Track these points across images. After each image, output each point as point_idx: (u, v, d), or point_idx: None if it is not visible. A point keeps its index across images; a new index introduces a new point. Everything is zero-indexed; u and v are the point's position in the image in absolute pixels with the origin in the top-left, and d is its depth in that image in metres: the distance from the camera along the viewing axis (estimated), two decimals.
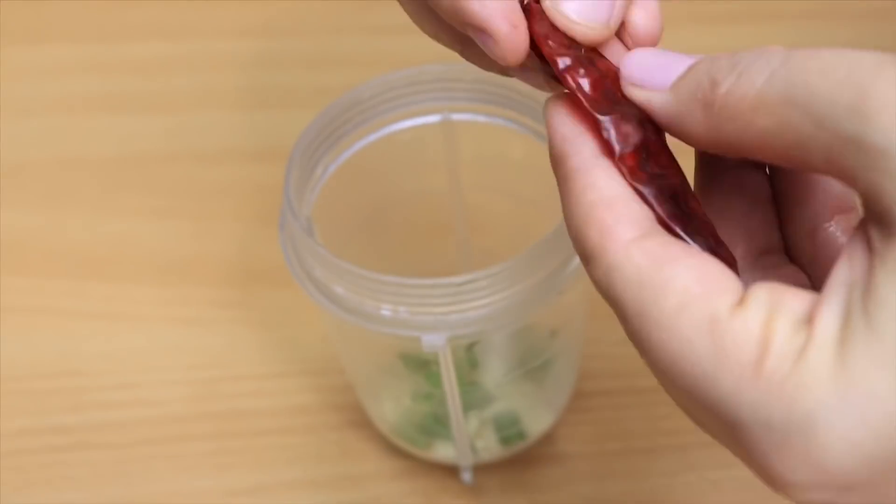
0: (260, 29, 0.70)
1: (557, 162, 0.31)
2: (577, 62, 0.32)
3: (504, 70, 0.35)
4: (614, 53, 0.33)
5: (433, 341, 0.43)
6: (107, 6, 0.72)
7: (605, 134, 0.31)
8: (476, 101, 0.48)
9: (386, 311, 0.43)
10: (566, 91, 0.32)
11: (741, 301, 0.27)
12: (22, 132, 0.67)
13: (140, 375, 0.56)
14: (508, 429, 0.51)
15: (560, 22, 0.32)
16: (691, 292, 0.27)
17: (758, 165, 0.33)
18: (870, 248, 0.26)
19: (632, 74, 0.31)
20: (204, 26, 0.71)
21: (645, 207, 0.30)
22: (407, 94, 0.48)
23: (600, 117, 0.31)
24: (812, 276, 0.32)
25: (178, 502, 0.52)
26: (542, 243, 0.42)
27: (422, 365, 0.48)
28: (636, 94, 0.31)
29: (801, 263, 0.33)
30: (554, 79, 0.33)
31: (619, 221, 0.29)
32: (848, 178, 0.26)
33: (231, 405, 0.55)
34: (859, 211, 0.27)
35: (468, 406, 0.49)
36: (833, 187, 0.32)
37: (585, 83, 0.32)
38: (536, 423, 0.52)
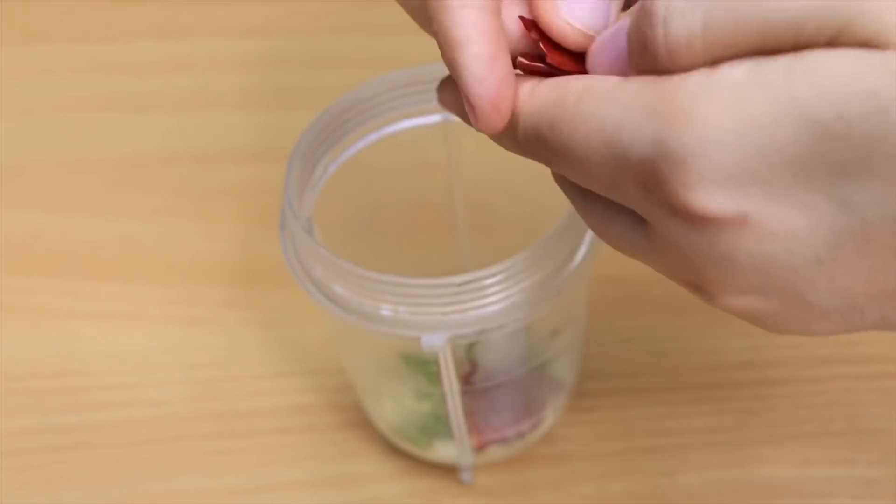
0: (260, 29, 0.70)
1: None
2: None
3: None
4: None
5: (433, 341, 0.43)
6: (107, 6, 0.72)
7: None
8: None
9: (386, 311, 0.43)
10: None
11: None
12: (22, 132, 0.67)
13: (140, 375, 0.56)
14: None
15: (559, 27, 0.33)
16: (586, 84, 0.31)
17: None
18: None
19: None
20: (204, 26, 0.71)
21: None
22: (407, 94, 0.48)
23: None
24: None
25: (178, 502, 0.52)
26: (542, 243, 0.42)
27: (422, 365, 0.48)
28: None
29: None
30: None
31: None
32: None
33: (231, 405, 0.55)
34: None
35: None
36: None
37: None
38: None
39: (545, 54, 0.33)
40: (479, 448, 0.50)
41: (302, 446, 0.53)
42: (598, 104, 0.30)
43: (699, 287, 0.31)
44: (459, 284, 0.42)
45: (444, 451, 0.51)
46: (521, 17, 0.33)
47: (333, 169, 0.48)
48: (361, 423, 0.53)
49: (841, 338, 0.54)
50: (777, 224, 0.28)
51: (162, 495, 0.52)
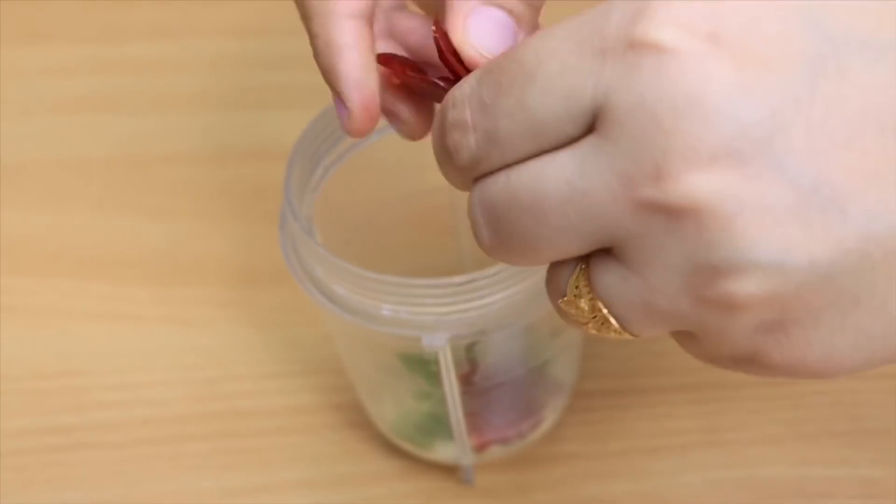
0: (260, 29, 0.70)
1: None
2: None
3: None
4: None
5: (433, 341, 0.43)
6: (107, 6, 0.72)
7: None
8: None
9: (386, 311, 0.43)
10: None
11: None
12: (22, 132, 0.67)
13: (140, 375, 0.56)
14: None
15: (468, 54, 0.34)
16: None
17: None
18: None
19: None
20: (204, 26, 0.71)
21: None
22: None
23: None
24: None
25: (178, 502, 0.52)
26: None
27: (422, 365, 0.48)
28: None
29: None
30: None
31: None
32: None
33: (231, 405, 0.55)
34: None
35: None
36: None
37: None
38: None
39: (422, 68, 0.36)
40: (479, 448, 0.50)
41: (302, 446, 0.53)
42: None
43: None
44: (459, 284, 0.42)
45: (444, 451, 0.51)
46: (435, 29, 0.35)
47: (333, 169, 0.48)
48: (361, 423, 0.53)
49: None
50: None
51: (162, 495, 0.52)
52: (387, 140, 0.48)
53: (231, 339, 0.57)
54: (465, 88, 0.29)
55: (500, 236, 0.29)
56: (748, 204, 0.25)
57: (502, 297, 0.43)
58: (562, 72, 0.27)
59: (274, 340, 0.57)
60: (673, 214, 0.26)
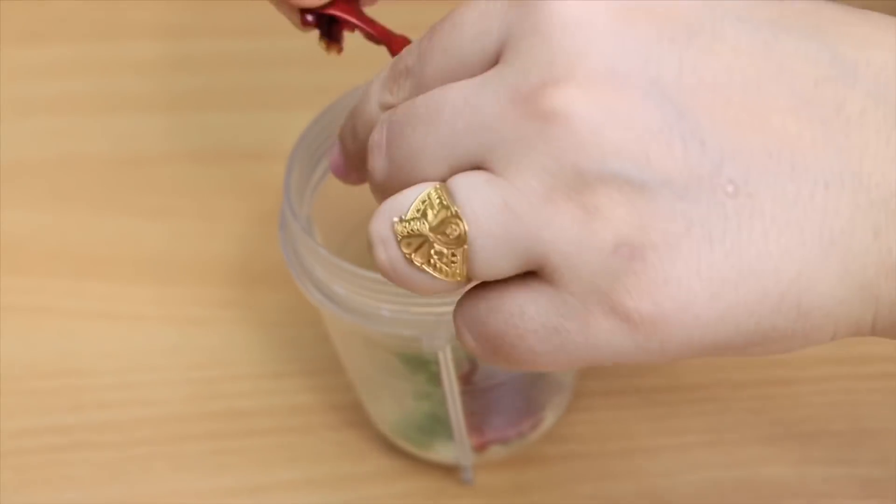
0: (260, 29, 0.70)
1: None
2: None
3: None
4: None
5: (433, 341, 0.43)
6: (107, 6, 0.72)
7: None
8: None
9: (386, 311, 0.43)
10: None
11: None
12: (22, 132, 0.67)
13: (140, 375, 0.56)
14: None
15: None
16: None
17: None
18: None
19: None
20: (204, 26, 0.71)
21: None
22: None
23: None
24: None
25: (178, 502, 0.52)
26: None
27: (422, 365, 0.47)
28: None
29: None
30: None
31: None
32: None
33: (231, 405, 0.55)
34: None
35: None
36: None
37: None
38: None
39: None
40: (479, 448, 0.50)
41: (301, 446, 0.53)
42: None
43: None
44: None
45: (444, 451, 0.51)
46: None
47: None
48: (361, 422, 0.53)
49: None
50: None
51: (161, 495, 0.52)
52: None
53: (231, 339, 0.57)
54: (412, 44, 0.32)
55: (391, 150, 0.31)
56: (616, 118, 0.28)
57: None
58: (476, 18, 0.30)
59: (274, 340, 0.57)
60: (548, 119, 0.28)
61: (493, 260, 0.29)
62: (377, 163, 0.32)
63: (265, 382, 0.56)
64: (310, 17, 0.41)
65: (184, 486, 0.53)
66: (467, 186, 0.29)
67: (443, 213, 0.29)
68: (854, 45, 0.29)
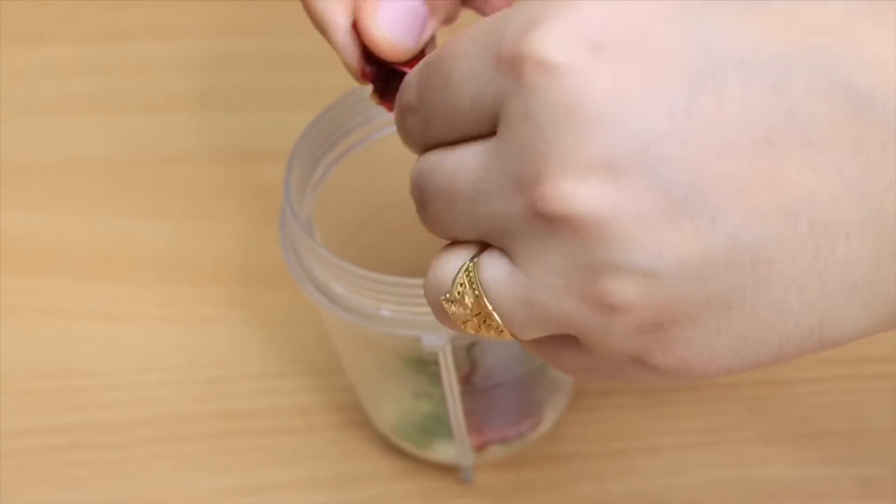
0: (260, 29, 0.70)
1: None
2: None
3: None
4: None
5: (433, 341, 0.43)
6: (107, 6, 0.72)
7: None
8: None
9: (386, 311, 0.43)
10: None
11: None
12: (22, 132, 0.67)
13: (140, 375, 0.56)
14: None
15: (371, 35, 0.37)
16: None
17: None
18: None
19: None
20: (204, 26, 0.71)
21: None
22: None
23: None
24: None
25: (178, 502, 0.52)
26: None
27: (422, 365, 0.48)
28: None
29: None
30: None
31: None
32: None
33: (231, 405, 0.55)
34: None
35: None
36: None
37: None
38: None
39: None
40: (479, 448, 0.51)
41: (302, 446, 0.53)
42: None
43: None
44: None
45: (444, 451, 0.51)
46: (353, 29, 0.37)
47: (333, 169, 0.48)
48: (361, 423, 0.53)
49: None
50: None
51: (162, 495, 0.52)
52: (387, 140, 0.48)
53: (231, 339, 0.57)
54: (413, 75, 0.31)
55: (422, 205, 0.32)
56: (621, 210, 0.27)
57: None
58: (469, 75, 0.29)
59: (274, 340, 0.57)
60: (551, 220, 0.27)
61: (530, 332, 0.30)
62: (417, 204, 0.33)
63: (265, 382, 0.56)
64: (369, 69, 0.38)
65: (184, 486, 0.53)
66: (492, 281, 0.29)
67: (477, 305, 0.30)
68: (866, 68, 0.27)
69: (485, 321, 0.30)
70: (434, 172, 0.31)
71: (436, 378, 0.46)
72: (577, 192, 0.27)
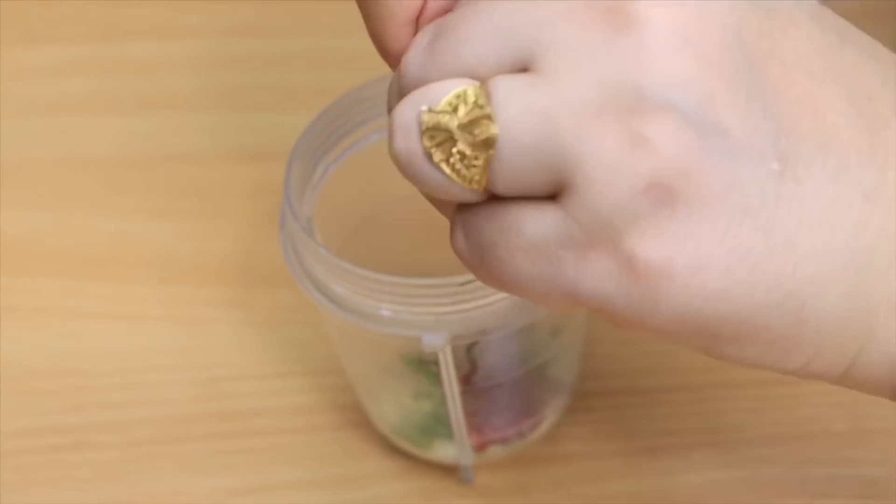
0: (260, 29, 0.70)
1: None
2: None
3: None
4: None
5: (433, 341, 0.43)
6: (107, 6, 0.72)
7: None
8: None
9: (386, 311, 0.43)
10: None
11: None
12: (22, 132, 0.67)
13: (140, 375, 0.56)
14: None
15: None
16: None
17: None
18: None
19: None
20: (204, 26, 0.71)
21: None
22: None
23: None
24: None
25: (179, 502, 0.52)
26: None
27: (422, 365, 0.48)
28: None
29: None
30: None
31: None
32: None
33: (231, 405, 0.55)
34: None
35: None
36: None
37: None
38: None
39: None
40: (479, 448, 0.50)
41: (302, 446, 0.53)
42: None
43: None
44: (459, 284, 0.42)
45: (444, 451, 0.51)
46: None
47: (333, 169, 0.48)
48: (362, 423, 0.53)
49: None
50: None
51: (162, 495, 0.52)
52: (387, 140, 0.48)
53: (231, 339, 0.57)
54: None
55: (434, 39, 0.28)
56: (692, 47, 0.26)
57: (502, 297, 0.43)
58: None
59: (274, 340, 0.57)
60: (621, 27, 0.26)
61: (515, 172, 0.27)
62: (414, 54, 0.28)
63: (265, 382, 0.56)
64: None
65: (184, 487, 0.53)
66: (507, 88, 0.26)
67: (475, 112, 0.26)
68: None
69: (468, 137, 0.27)
70: None
71: (436, 378, 0.46)
72: (659, 8, 0.26)
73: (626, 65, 0.26)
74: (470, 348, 0.47)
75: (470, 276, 0.42)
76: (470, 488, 0.51)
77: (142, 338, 0.58)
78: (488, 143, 0.26)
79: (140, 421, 0.55)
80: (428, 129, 0.27)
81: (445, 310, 0.42)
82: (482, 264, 0.29)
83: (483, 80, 0.27)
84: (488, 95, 0.26)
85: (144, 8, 0.72)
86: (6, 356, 0.57)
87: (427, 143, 0.27)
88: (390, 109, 0.31)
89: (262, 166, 0.63)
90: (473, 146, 0.27)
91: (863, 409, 0.52)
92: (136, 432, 0.54)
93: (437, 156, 0.27)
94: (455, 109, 0.27)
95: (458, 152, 0.27)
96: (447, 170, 0.28)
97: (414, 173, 0.28)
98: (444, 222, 0.54)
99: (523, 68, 0.27)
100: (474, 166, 0.27)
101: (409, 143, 0.28)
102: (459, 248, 0.30)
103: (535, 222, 0.27)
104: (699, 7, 0.26)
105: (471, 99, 0.27)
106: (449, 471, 0.52)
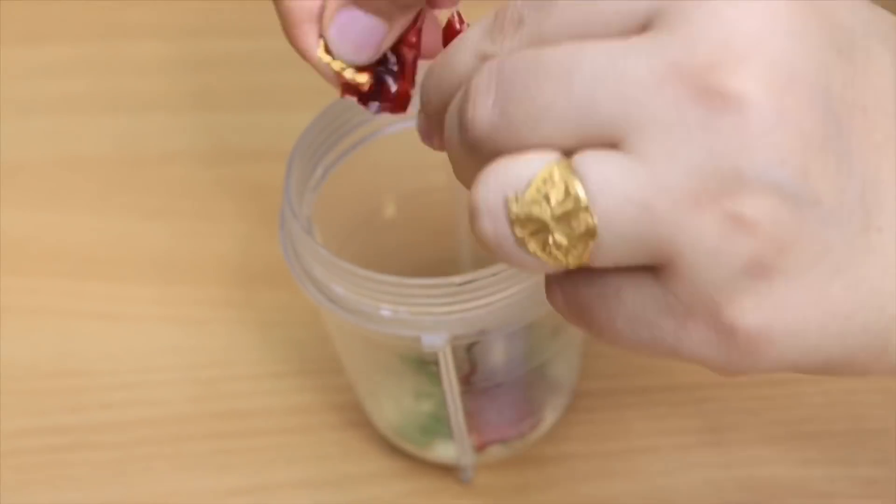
0: (260, 29, 0.70)
1: None
2: None
3: None
4: None
5: (433, 341, 0.43)
6: (107, 6, 0.72)
7: None
8: None
9: (386, 311, 0.43)
10: None
11: None
12: (22, 132, 0.67)
13: (140, 375, 0.56)
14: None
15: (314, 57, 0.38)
16: None
17: None
18: None
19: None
20: (204, 26, 0.71)
21: None
22: None
23: None
24: None
25: (178, 502, 0.52)
26: None
27: (422, 365, 0.48)
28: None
29: None
30: None
31: None
32: None
33: (231, 405, 0.55)
34: None
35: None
36: None
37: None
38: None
39: None
40: (479, 448, 0.50)
41: (302, 446, 0.53)
42: None
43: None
44: (459, 284, 0.42)
45: (444, 451, 0.51)
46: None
47: (333, 169, 0.48)
48: (361, 423, 0.53)
49: None
50: None
51: (162, 495, 0.52)
52: (387, 140, 0.48)
53: (230, 339, 0.57)
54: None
55: (506, 103, 0.27)
56: (787, 121, 0.25)
57: (502, 297, 0.43)
58: None
59: (274, 340, 0.57)
60: (717, 105, 0.25)
61: (613, 256, 0.26)
62: (482, 112, 0.27)
63: (265, 382, 0.56)
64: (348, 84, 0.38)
65: (184, 486, 0.53)
66: (599, 173, 0.25)
67: (569, 204, 0.25)
68: None
69: (565, 229, 0.26)
70: (541, 59, 0.26)
71: (436, 378, 0.46)
72: (755, 84, 0.25)
73: (724, 148, 0.25)
74: (470, 348, 0.47)
75: (470, 276, 0.42)
76: (470, 488, 0.51)
77: (141, 338, 0.58)
78: (588, 235, 0.26)
79: (139, 421, 0.55)
80: (519, 219, 0.26)
81: (445, 310, 0.42)
82: (582, 322, 0.29)
83: (566, 158, 0.26)
84: (579, 178, 0.26)
85: (144, 8, 0.72)
86: (6, 356, 0.57)
87: (519, 233, 0.27)
88: (425, 105, 0.31)
89: (262, 166, 0.63)
90: (570, 238, 0.26)
91: (863, 409, 0.52)
92: (136, 432, 0.54)
93: (533, 246, 0.27)
94: (546, 199, 0.26)
95: (556, 243, 0.26)
96: (543, 256, 0.27)
97: (505, 256, 0.27)
98: (443, 222, 0.55)
99: (608, 142, 0.26)
100: (572, 253, 0.26)
101: (499, 229, 0.27)
102: (559, 307, 0.29)
103: (635, 292, 0.27)
104: (790, 73, 0.25)
105: (559, 185, 0.26)
106: (449, 471, 0.52)
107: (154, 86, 0.69)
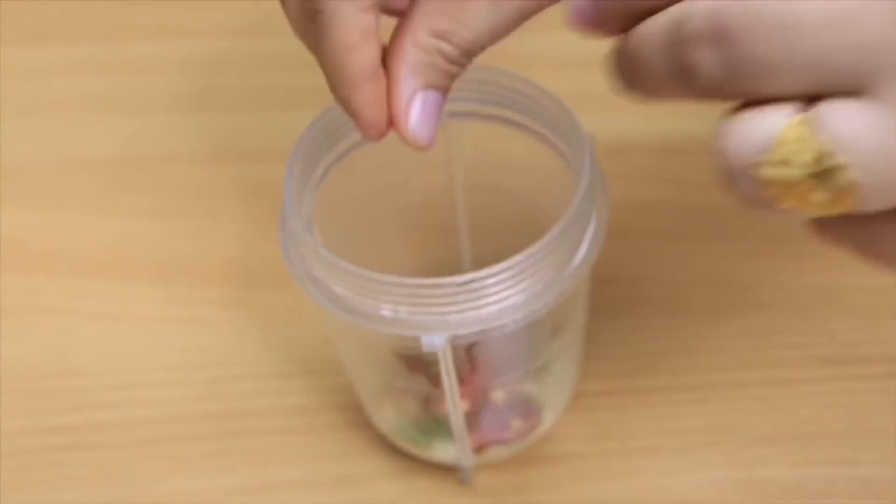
0: (260, 29, 0.70)
1: None
2: None
3: None
4: None
5: (433, 341, 0.43)
6: (107, 6, 0.72)
7: None
8: (476, 101, 0.48)
9: (386, 311, 0.43)
10: None
11: None
12: (22, 132, 0.67)
13: (140, 375, 0.56)
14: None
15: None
16: None
17: None
18: None
19: None
20: (204, 26, 0.71)
21: None
22: None
23: None
24: None
25: (178, 502, 0.52)
26: (543, 243, 0.42)
27: (422, 365, 0.48)
28: None
29: None
30: None
31: None
32: None
33: (231, 405, 0.55)
34: None
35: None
36: None
37: None
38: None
39: None
40: (479, 448, 0.50)
41: (302, 446, 0.53)
42: None
43: None
44: (459, 284, 0.42)
45: (443, 452, 0.51)
46: None
47: (333, 169, 0.48)
48: (361, 423, 0.53)
49: (842, 338, 0.54)
50: None
51: (162, 495, 0.52)
52: (387, 140, 0.48)
53: (231, 339, 0.57)
54: None
55: (729, 61, 0.26)
56: None
57: (502, 297, 0.43)
58: None
59: (274, 340, 0.57)
60: None
61: (878, 204, 0.25)
62: (708, 63, 0.26)
63: (265, 383, 0.56)
64: None
65: (184, 487, 0.53)
66: (850, 127, 0.25)
67: (826, 161, 0.25)
68: None
69: (824, 183, 0.25)
70: (758, 9, 0.25)
71: (436, 378, 0.46)
72: None
73: None
74: (470, 348, 0.47)
75: (470, 276, 0.42)
76: (470, 488, 0.51)
77: (142, 338, 0.58)
78: (850, 189, 0.25)
79: (140, 421, 0.55)
80: (773, 182, 0.26)
81: (445, 310, 0.42)
82: (852, 252, 0.28)
83: (806, 114, 0.25)
84: (830, 133, 0.25)
85: (144, 8, 0.72)
86: (6, 356, 0.57)
87: (772, 193, 0.26)
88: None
89: (262, 166, 0.63)
90: (832, 193, 0.25)
91: (862, 409, 0.52)
92: (136, 432, 0.54)
93: (791, 202, 0.26)
94: (797, 156, 0.25)
95: (815, 199, 0.26)
96: (804, 208, 0.26)
97: (766, 213, 0.27)
98: (444, 222, 0.55)
99: (848, 90, 0.25)
100: (836, 207, 0.26)
101: (751, 192, 0.26)
102: (827, 242, 0.28)
103: None
104: None
105: (810, 143, 0.25)
106: (449, 471, 0.52)
107: (155, 86, 0.69)
